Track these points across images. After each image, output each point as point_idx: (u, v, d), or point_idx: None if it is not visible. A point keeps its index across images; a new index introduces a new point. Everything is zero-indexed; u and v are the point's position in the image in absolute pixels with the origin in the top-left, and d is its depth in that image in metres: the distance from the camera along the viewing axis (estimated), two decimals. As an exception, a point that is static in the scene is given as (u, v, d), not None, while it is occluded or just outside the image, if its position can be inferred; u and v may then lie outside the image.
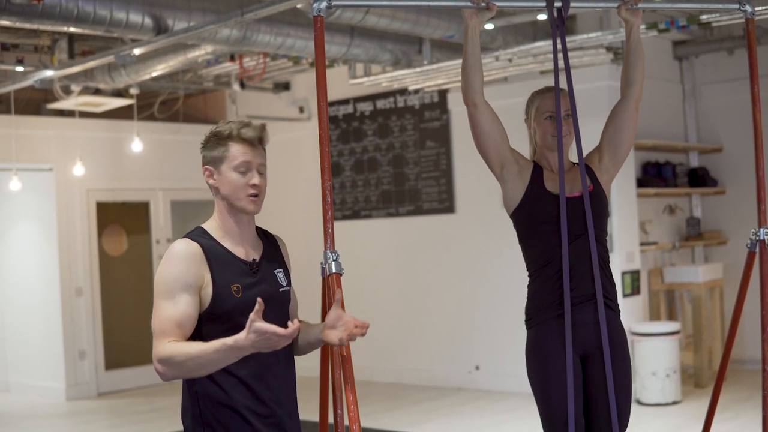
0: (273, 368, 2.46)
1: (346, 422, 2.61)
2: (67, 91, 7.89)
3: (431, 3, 3.14)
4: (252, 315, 2.16)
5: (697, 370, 7.47)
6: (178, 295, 2.35)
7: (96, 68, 7.12)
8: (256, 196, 2.47)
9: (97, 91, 8.31)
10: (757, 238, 3.36)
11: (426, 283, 8.30)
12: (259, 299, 2.18)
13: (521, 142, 3.32)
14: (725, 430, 5.96)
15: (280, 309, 2.52)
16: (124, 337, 8.97)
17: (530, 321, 3.17)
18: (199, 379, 2.39)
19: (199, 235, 2.46)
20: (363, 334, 2.42)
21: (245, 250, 2.51)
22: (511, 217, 3.22)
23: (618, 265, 6.99)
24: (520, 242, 3.21)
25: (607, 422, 3.03)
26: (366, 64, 7.34)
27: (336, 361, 2.64)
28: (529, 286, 3.19)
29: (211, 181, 2.49)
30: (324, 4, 2.79)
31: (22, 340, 8.99)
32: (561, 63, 3.07)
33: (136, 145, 8.26)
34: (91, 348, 8.65)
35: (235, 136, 2.45)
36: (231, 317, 2.40)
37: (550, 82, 3.32)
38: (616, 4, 3.15)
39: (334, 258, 2.70)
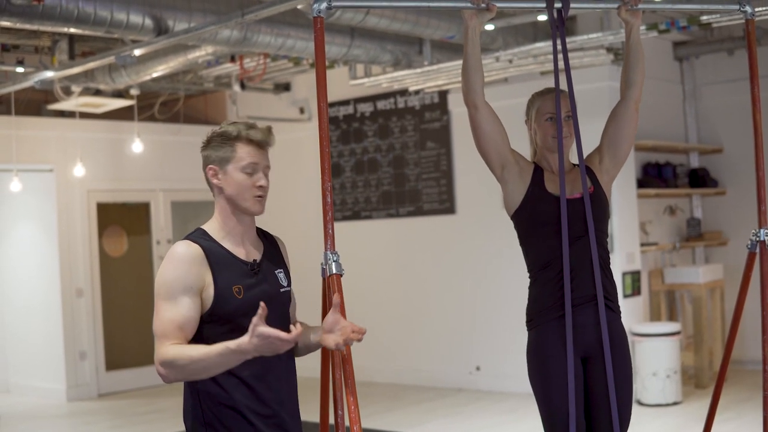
0: (275, 369, 2.46)
1: (347, 423, 2.61)
2: (68, 92, 7.89)
3: (431, 4, 3.14)
4: (255, 319, 2.16)
5: (697, 370, 7.47)
6: (179, 297, 2.35)
7: (96, 69, 7.12)
8: (261, 197, 2.49)
9: (98, 92, 8.31)
10: (758, 238, 3.36)
11: (426, 284, 8.30)
12: (262, 304, 2.18)
13: (522, 143, 3.32)
14: (726, 430, 5.96)
15: (280, 309, 2.53)
16: (125, 337, 8.98)
17: (531, 322, 3.16)
18: (201, 380, 2.39)
19: (199, 237, 2.46)
20: (359, 340, 2.42)
21: (246, 251, 2.51)
22: (511, 219, 3.22)
23: (618, 265, 6.99)
24: (521, 244, 3.21)
25: (608, 423, 3.03)
26: (366, 65, 7.34)
27: (336, 362, 2.65)
28: (530, 287, 3.19)
29: (215, 181, 2.49)
30: (324, 5, 2.79)
31: (23, 341, 8.99)
32: (561, 64, 3.07)
33: (137, 146, 8.26)
34: (91, 349, 8.66)
35: (244, 137, 2.46)
36: (233, 318, 2.40)
37: (550, 82, 3.32)
38: (616, 5, 3.15)
39: (335, 259, 2.70)
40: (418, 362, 8.38)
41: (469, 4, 2.96)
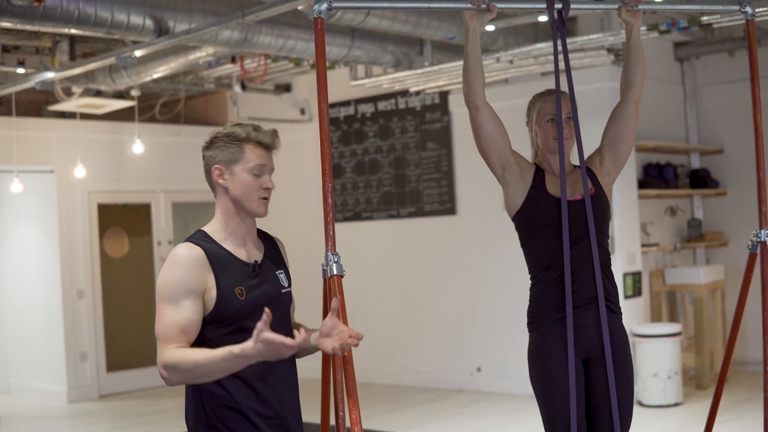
0: (277, 370, 2.47)
1: (348, 424, 2.61)
2: (68, 93, 7.89)
3: (431, 4, 3.14)
4: (259, 325, 2.16)
5: (698, 371, 7.47)
6: (181, 300, 2.35)
7: (97, 70, 7.12)
8: (266, 199, 2.51)
9: (98, 93, 8.31)
10: (758, 239, 3.36)
11: (427, 285, 8.29)
12: (267, 310, 2.18)
13: (522, 144, 3.32)
14: (727, 431, 5.96)
15: (282, 310, 2.53)
16: (126, 338, 8.98)
17: (532, 324, 3.16)
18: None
19: (200, 239, 2.46)
20: (356, 345, 2.43)
21: (247, 252, 2.51)
22: (512, 220, 3.22)
23: (619, 266, 6.99)
24: (522, 245, 3.21)
25: (609, 425, 3.03)
26: (367, 66, 7.34)
27: (337, 363, 2.64)
28: (531, 289, 3.18)
29: (221, 181, 2.49)
30: (324, 6, 2.79)
31: (24, 342, 8.99)
32: (562, 64, 3.06)
33: (137, 147, 8.27)
34: (92, 350, 8.65)
35: (253, 139, 2.48)
36: (235, 320, 2.40)
37: (551, 83, 3.32)
38: (616, 6, 3.15)
39: (336, 260, 2.69)
40: (418, 363, 8.38)
41: (469, 5, 2.96)
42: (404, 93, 8.29)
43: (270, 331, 2.16)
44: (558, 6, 3.07)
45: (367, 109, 8.67)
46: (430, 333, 8.28)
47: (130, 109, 8.71)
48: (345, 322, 2.58)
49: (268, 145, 2.50)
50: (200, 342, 2.37)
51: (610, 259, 3.16)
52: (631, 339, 6.78)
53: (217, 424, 2.42)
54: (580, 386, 3.04)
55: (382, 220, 8.59)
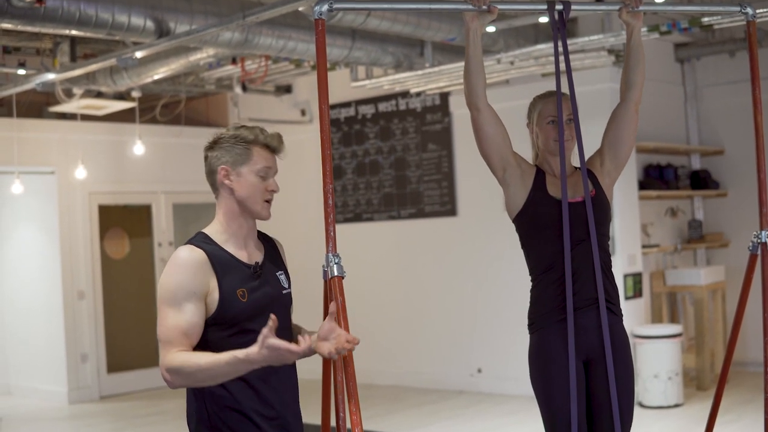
0: (278, 371, 2.47)
1: (348, 425, 2.61)
2: (69, 94, 7.89)
3: (432, 6, 3.14)
4: (265, 331, 2.16)
5: (699, 372, 7.46)
6: (183, 303, 2.35)
7: (98, 71, 7.13)
8: (270, 201, 2.53)
9: (99, 94, 8.32)
10: (759, 240, 3.35)
11: (428, 286, 8.29)
12: (272, 316, 2.19)
13: (523, 145, 3.31)
14: (727, 432, 5.96)
15: (283, 311, 2.53)
16: (127, 340, 8.98)
17: (533, 325, 3.16)
18: (206, 384, 2.40)
19: (202, 241, 2.46)
20: (351, 349, 2.43)
21: (248, 254, 2.52)
22: (513, 222, 3.22)
23: (620, 267, 6.99)
24: (523, 246, 3.21)
25: (609, 426, 3.03)
26: (368, 67, 7.35)
27: (338, 364, 2.64)
28: (531, 290, 3.18)
29: (226, 182, 2.49)
30: (325, 7, 2.79)
31: (24, 343, 8.99)
32: (562, 65, 3.07)
33: (138, 148, 8.27)
34: (93, 351, 8.65)
35: (261, 142, 2.50)
36: (237, 322, 2.41)
37: (551, 84, 3.32)
38: (617, 7, 3.15)
39: (336, 261, 2.69)
40: (419, 364, 8.38)
41: (470, 6, 2.96)
42: (405, 94, 8.29)
43: (275, 337, 2.16)
44: (559, 7, 3.07)
45: (367, 110, 8.67)
46: (430, 334, 8.27)
47: (131, 110, 8.71)
48: (346, 323, 2.58)
49: (275, 148, 2.53)
50: (203, 344, 2.37)
51: (610, 261, 3.16)
52: (631, 340, 6.78)
53: (220, 425, 2.42)
54: (580, 387, 3.04)
55: (382, 222, 8.59)
